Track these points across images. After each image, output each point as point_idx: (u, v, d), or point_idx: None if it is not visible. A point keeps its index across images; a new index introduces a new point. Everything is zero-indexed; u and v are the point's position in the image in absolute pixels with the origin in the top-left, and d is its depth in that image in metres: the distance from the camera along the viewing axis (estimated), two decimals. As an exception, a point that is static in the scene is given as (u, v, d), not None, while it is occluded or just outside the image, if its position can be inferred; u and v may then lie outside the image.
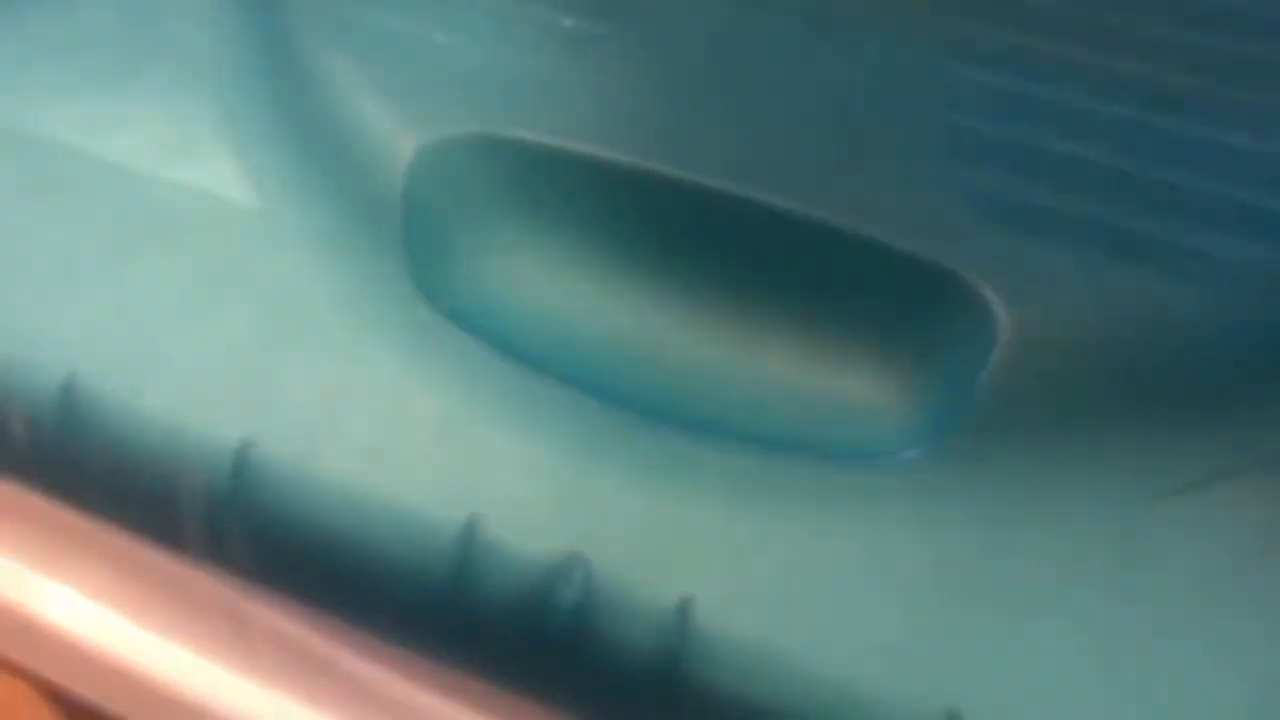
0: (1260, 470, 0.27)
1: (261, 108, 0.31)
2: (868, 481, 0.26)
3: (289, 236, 0.28)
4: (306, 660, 0.28)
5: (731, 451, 0.26)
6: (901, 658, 0.24)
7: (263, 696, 0.29)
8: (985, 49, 0.31)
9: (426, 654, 0.26)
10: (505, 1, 0.32)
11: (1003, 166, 0.29)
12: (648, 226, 0.28)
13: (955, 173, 0.29)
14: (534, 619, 0.24)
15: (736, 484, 0.26)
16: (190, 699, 0.29)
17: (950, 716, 0.23)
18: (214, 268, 0.28)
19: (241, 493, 0.25)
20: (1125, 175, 0.29)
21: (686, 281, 0.28)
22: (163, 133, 0.31)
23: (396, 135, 0.29)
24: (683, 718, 0.25)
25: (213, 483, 0.25)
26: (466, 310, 0.28)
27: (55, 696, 0.33)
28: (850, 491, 0.26)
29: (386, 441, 0.25)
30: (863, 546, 0.25)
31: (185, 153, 0.30)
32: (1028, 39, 0.31)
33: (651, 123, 0.29)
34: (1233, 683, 0.24)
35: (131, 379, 0.26)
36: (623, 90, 0.30)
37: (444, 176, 0.29)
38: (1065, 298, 0.27)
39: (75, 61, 0.32)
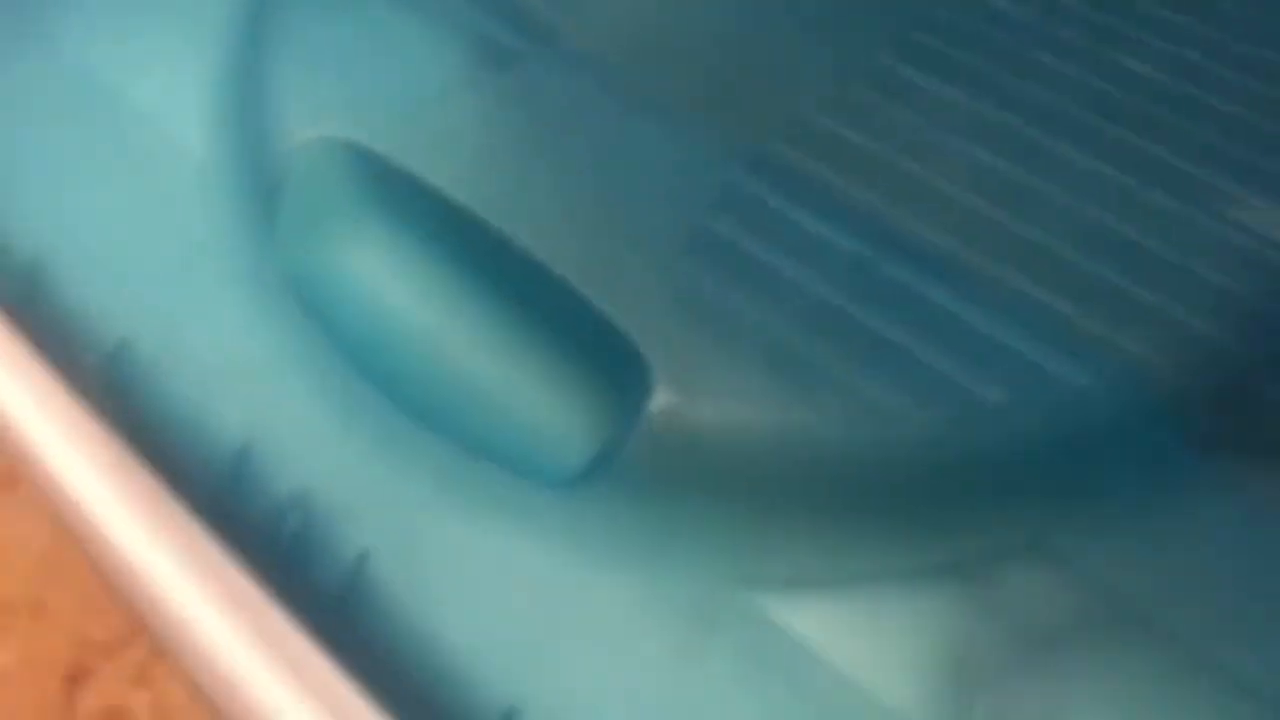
0: (858, 586, 0.31)
1: (227, 70, 0.38)
2: (520, 493, 0.32)
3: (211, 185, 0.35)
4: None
5: (438, 440, 0.32)
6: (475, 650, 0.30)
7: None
8: (754, 159, 0.35)
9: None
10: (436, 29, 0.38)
11: (719, 268, 0.34)
12: (455, 254, 0.34)
13: (682, 263, 0.34)
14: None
15: (432, 462, 0.32)
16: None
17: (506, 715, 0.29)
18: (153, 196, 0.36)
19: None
20: (826, 308, 0.33)
21: (464, 301, 0.34)
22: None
23: (294, 124, 0.36)
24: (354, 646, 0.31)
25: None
26: (303, 286, 0.34)
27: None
28: (503, 495, 0.32)
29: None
30: (495, 542, 0.31)
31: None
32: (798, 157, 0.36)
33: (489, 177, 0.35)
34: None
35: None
36: (482, 144, 0.36)
37: (319, 170, 0.35)
38: (715, 387, 0.32)
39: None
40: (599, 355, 0.33)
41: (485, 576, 0.31)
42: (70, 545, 0.36)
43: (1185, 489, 0.31)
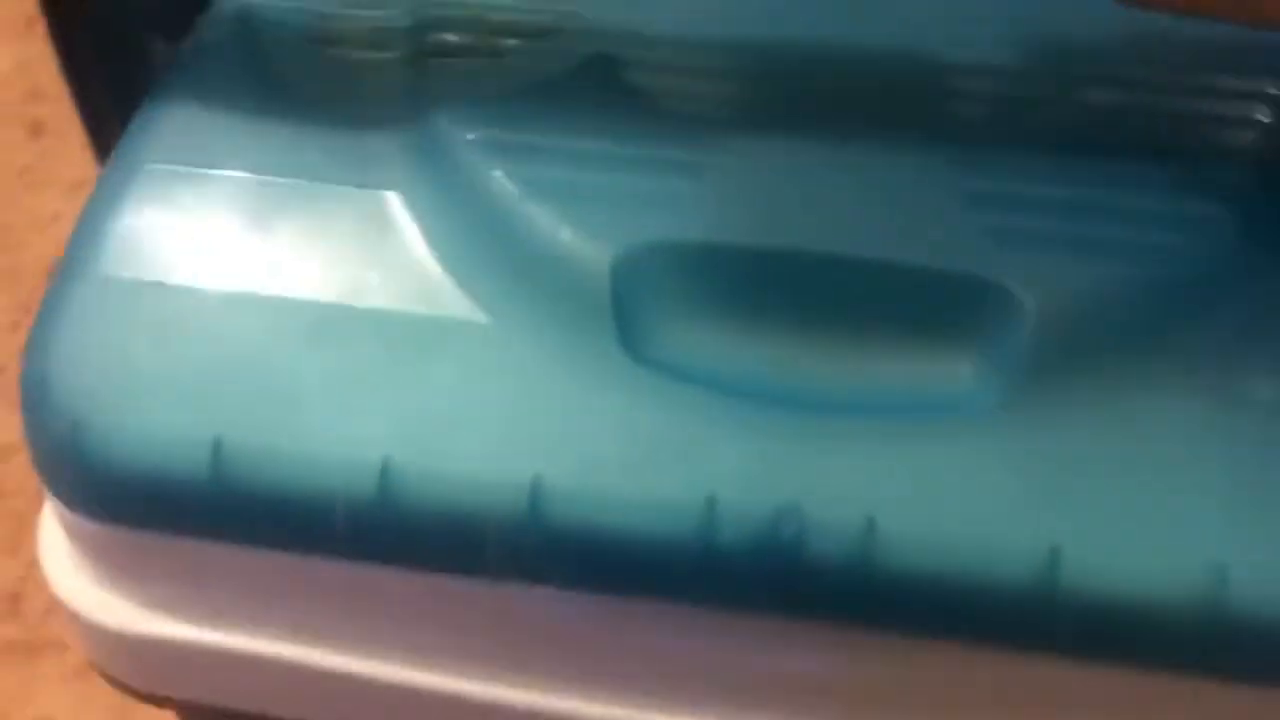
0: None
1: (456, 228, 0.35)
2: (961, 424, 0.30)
3: (525, 350, 0.32)
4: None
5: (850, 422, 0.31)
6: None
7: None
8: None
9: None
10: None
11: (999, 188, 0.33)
12: (778, 288, 0.32)
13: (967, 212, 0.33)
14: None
15: (870, 435, 0.30)
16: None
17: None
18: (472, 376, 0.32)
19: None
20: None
21: (809, 325, 0.32)
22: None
23: (590, 250, 0.32)
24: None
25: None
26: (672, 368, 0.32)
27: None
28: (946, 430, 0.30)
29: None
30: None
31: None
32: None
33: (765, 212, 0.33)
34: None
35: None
36: (744, 193, 0.34)
37: (638, 281, 0.32)
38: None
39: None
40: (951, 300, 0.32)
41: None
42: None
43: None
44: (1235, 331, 0.31)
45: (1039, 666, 0.30)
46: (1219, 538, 0.28)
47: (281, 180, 0.35)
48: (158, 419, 0.32)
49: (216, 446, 0.31)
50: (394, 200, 0.35)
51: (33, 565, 0.38)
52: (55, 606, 0.36)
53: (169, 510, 0.32)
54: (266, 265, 0.33)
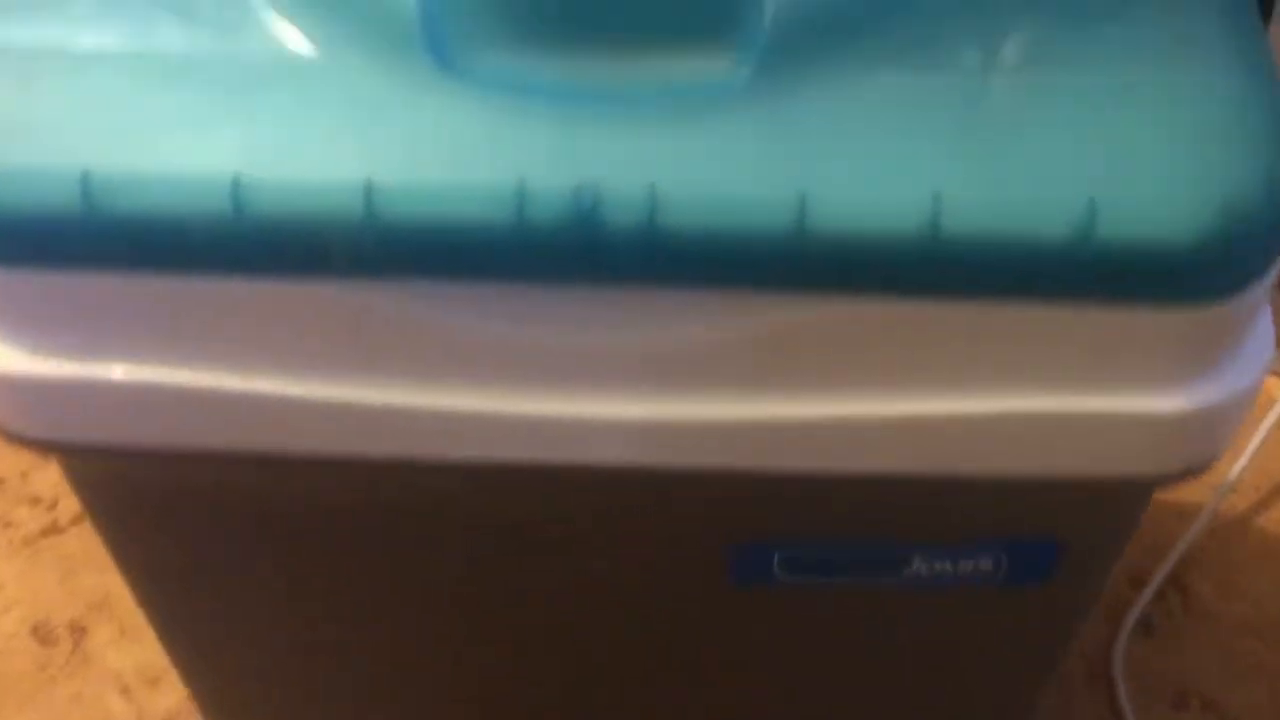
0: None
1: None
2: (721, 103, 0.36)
3: (347, 74, 0.37)
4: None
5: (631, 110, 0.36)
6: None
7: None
8: None
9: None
10: None
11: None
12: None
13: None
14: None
15: (649, 120, 0.36)
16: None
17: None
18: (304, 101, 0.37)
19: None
20: None
21: (591, 31, 0.37)
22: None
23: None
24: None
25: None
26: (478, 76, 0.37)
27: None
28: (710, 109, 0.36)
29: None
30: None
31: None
32: None
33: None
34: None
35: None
36: None
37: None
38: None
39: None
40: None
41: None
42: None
43: None
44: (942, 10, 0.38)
45: (797, 306, 0.37)
46: (935, 172, 0.35)
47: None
48: (29, 159, 0.36)
49: (85, 178, 0.35)
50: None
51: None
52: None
53: (45, 242, 0.37)
54: (114, 26, 0.38)
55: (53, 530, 0.81)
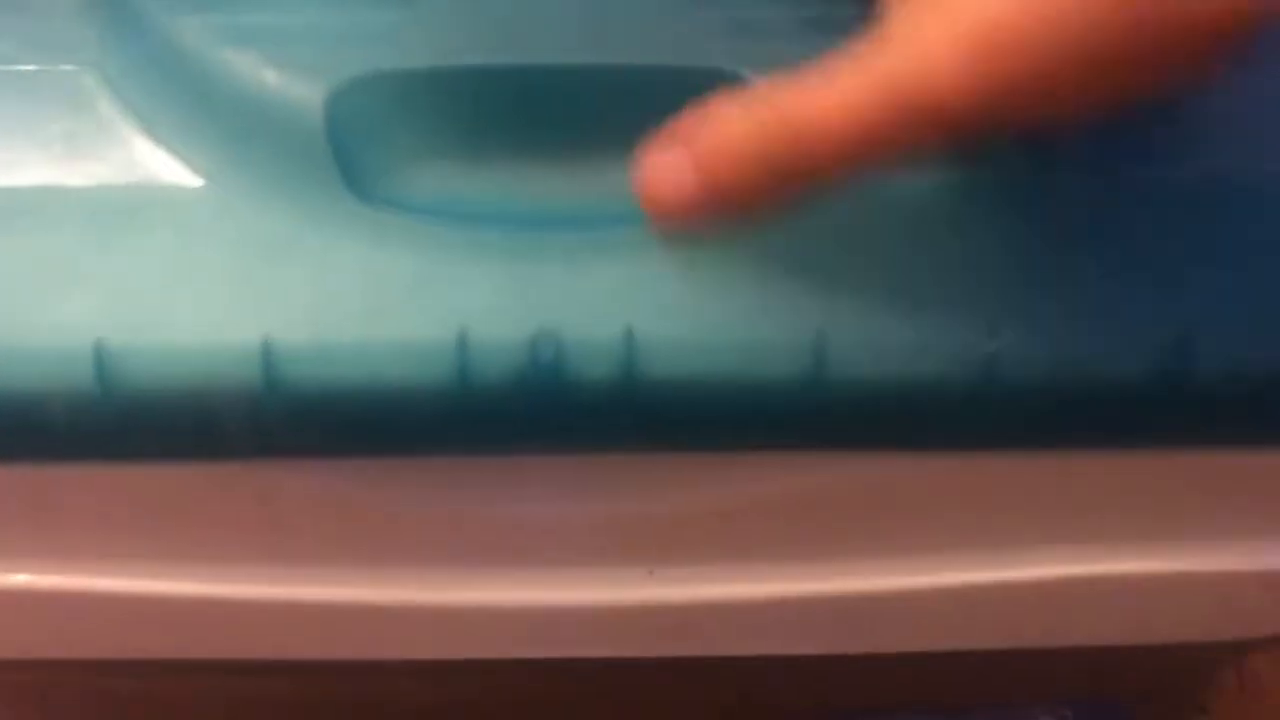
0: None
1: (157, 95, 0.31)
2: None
3: (243, 208, 0.29)
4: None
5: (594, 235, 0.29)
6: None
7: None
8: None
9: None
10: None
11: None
12: (511, 107, 0.30)
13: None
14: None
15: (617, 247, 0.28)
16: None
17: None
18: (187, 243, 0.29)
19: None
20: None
21: (546, 141, 0.30)
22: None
23: (300, 90, 0.30)
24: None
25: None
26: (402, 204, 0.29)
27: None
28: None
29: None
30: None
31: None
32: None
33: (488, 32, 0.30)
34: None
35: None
36: (460, 16, 0.31)
37: (357, 117, 0.30)
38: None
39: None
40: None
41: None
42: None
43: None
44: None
45: (828, 466, 0.29)
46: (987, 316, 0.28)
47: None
48: None
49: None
50: (88, 78, 0.32)
51: None
52: None
53: None
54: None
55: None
